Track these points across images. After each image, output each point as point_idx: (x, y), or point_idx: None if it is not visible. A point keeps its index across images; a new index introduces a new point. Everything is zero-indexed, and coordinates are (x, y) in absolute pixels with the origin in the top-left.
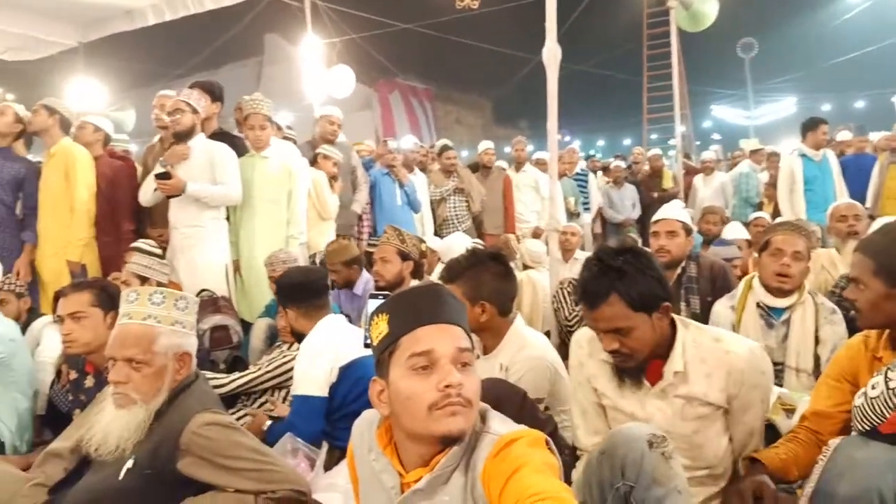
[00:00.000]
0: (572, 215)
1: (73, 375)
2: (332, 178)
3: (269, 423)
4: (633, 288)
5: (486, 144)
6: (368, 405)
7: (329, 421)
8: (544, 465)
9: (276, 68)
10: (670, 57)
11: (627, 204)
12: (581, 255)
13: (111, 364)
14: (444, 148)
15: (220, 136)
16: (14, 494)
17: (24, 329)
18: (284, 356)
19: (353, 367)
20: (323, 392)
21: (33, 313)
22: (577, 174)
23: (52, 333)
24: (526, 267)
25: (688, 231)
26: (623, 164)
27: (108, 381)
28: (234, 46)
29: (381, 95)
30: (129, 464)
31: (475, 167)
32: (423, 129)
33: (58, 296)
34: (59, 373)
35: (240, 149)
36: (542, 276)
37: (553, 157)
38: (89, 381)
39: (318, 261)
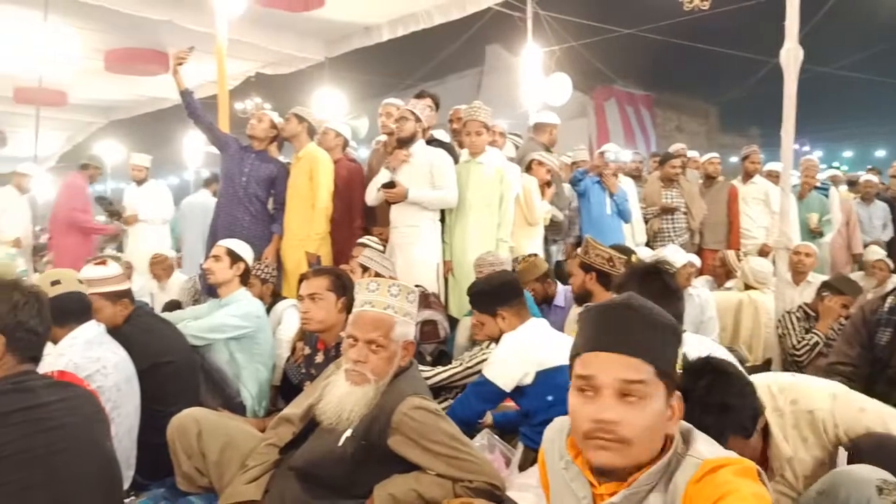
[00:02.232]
0: (815, 234)
1: (307, 351)
2: (546, 185)
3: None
4: (743, 420)
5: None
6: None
7: (529, 424)
8: (753, 496)
9: (495, 78)
10: None
11: (877, 224)
12: (815, 279)
13: (351, 343)
14: (668, 156)
15: (432, 142)
16: (252, 450)
17: (269, 310)
18: (483, 353)
19: (554, 372)
20: (506, 386)
21: (277, 297)
22: (816, 188)
23: (292, 314)
24: (748, 287)
25: None
26: (876, 179)
27: (345, 358)
28: (457, 58)
29: (597, 103)
30: (348, 433)
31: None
32: (637, 136)
33: (301, 279)
34: (293, 349)
35: (451, 155)
36: (767, 298)
37: (786, 168)
38: (319, 357)
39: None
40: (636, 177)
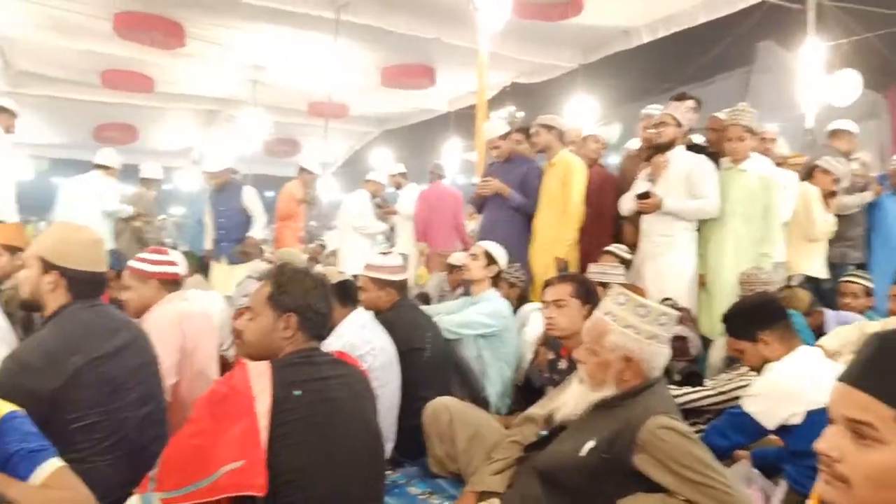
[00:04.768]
0: None
1: (550, 356)
2: (830, 195)
3: None
4: None
5: None
6: None
7: (797, 465)
8: None
9: (766, 77)
10: None
11: None
12: None
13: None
14: None
15: (692, 148)
16: (496, 444)
17: (515, 312)
18: (742, 379)
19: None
20: (768, 424)
21: (523, 300)
22: None
23: (537, 318)
24: None
25: None
26: None
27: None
28: (722, 57)
29: (892, 103)
30: (591, 444)
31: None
32: None
33: (546, 284)
34: (536, 353)
35: (714, 162)
36: None
37: None
38: (563, 364)
39: (794, 283)
40: None
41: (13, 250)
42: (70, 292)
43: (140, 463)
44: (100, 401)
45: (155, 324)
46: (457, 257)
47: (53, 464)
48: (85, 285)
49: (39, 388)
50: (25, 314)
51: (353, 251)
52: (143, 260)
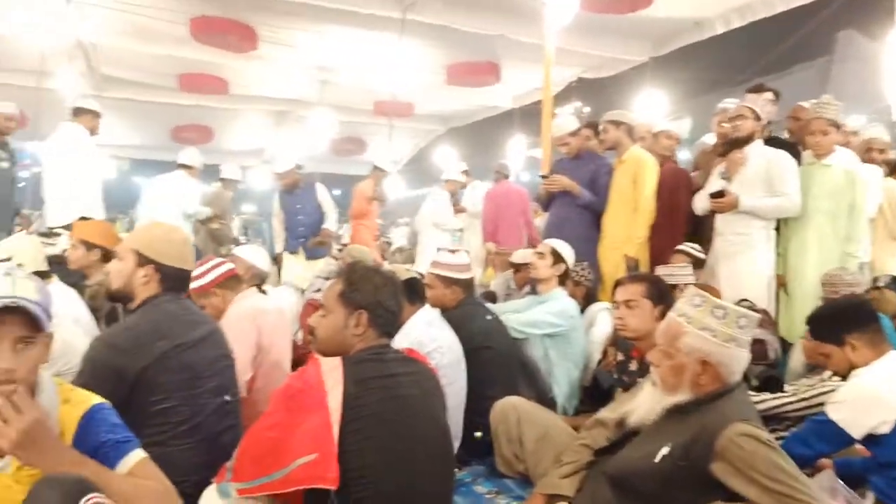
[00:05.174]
0: None
1: (620, 357)
2: None
3: None
4: None
5: None
6: None
7: (886, 476)
8: None
9: (848, 67)
10: None
11: None
12: None
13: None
14: None
15: (771, 141)
16: (564, 445)
17: (582, 311)
18: (825, 385)
19: None
20: (852, 432)
21: (590, 299)
22: None
23: (605, 318)
24: None
25: None
26: None
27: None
28: (799, 48)
29: None
30: (666, 450)
31: None
32: None
33: (617, 284)
34: (605, 353)
35: (795, 156)
36: None
37: None
38: (633, 365)
39: (881, 284)
40: None
41: (90, 246)
42: (161, 286)
43: (213, 450)
44: (180, 386)
45: (231, 321)
46: (520, 255)
47: (138, 454)
48: (174, 280)
49: (126, 367)
50: (111, 308)
51: (434, 248)
52: (196, 278)
